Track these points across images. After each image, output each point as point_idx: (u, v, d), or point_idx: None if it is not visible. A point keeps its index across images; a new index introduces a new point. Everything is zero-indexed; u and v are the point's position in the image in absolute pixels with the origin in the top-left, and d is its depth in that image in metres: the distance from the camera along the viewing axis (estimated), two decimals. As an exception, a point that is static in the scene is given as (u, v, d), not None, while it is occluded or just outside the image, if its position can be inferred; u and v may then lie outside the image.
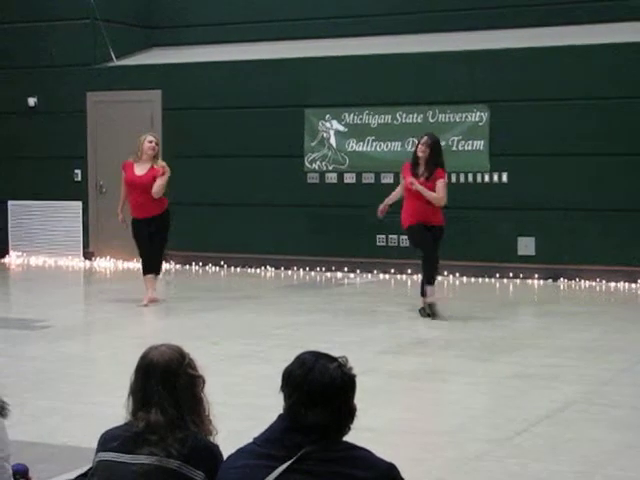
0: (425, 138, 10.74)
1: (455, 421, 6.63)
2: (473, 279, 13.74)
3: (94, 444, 3.77)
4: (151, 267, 11.59)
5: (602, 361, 8.52)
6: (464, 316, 10.93)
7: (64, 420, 6.73)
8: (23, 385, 7.48)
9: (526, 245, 13.65)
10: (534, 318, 11.44)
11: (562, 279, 13.42)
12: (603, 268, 13.26)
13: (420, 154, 10.65)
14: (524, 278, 13.61)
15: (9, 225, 16.32)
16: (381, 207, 11.02)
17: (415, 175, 10.61)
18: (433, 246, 10.71)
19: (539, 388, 7.56)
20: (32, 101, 16.22)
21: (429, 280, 10.65)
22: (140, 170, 11.39)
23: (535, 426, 6.46)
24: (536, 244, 13.60)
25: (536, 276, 13.56)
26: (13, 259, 16.27)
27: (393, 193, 11.13)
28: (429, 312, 10.61)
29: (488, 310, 11.36)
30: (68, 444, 6.05)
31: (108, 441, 3.69)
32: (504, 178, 13.70)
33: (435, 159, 10.65)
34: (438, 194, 10.57)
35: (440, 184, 10.59)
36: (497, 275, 13.72)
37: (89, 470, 3.85)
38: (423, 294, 10.72)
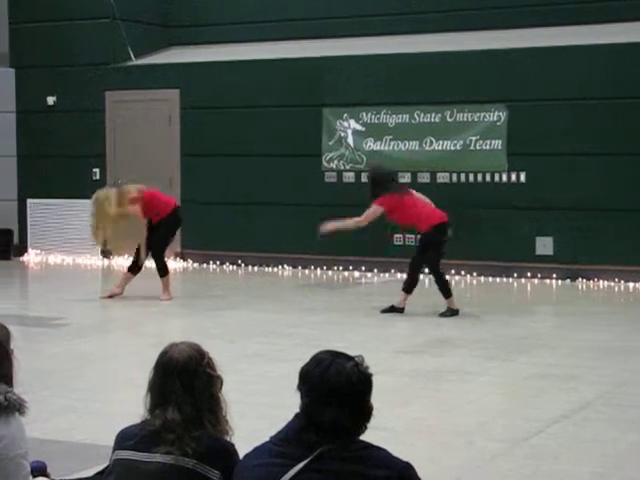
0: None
1: (472, 421, 6.62)
2: (491, 279, 13.71)
3: (111, 442, 3.78)
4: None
5: (620, 362, 8.49)
6: (482, 316, 10.91)
7: (82, 418, 6.75)
8: (41, 383, 7.51)
9: (544, 245, 13.61)
10: (552, 318, 11.41)
11: (580, 279, 13.38)
12: (621, 268, 13.21)
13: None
14: (542, 278, 13.57)
15: (28, 223, 16.37)
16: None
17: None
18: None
19: (556, 388, 7.54)
20: (51, 100, 16.29)
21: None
22: None
23: (552, 426, 6.45)
24: (554, 244, 13.56)
25: (554, 276, 13.52)
26: (32, 257, 16.32)
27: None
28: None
29: (506, 310, 11.33)
30: (85, 442, 6.07)
31: (125, 439, 3.70)
32: (522, 178, 13.67)
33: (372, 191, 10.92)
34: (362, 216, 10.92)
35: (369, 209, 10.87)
36: (515, 275, 13.69)
37: (106, 468, 3.87)
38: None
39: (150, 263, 12.01)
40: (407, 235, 14.06)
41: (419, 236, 11.23)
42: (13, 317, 9.99)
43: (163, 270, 11.97)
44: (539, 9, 14.33)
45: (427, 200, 11.15)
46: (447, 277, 11.18)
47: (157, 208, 11.86)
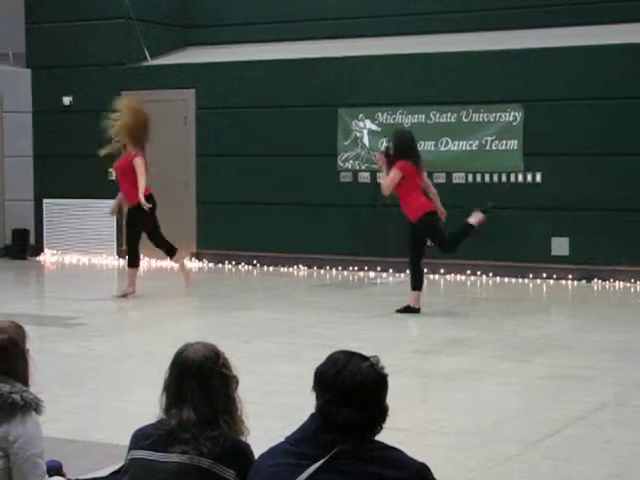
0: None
1: (488, 421, 6.61)
2: (506, 279, 13.68)
3: (127, 441, 3.79)
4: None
5: (636, 363, 8.46)
6: (497, 316, 10.90)
7: (97, 417, 6.77)
8: (57, 382, 7.53)
9: (560, 245, 13.58)
10: (567, 319, 11.38)
11: (596, 280, 13.34)
12: (637, 269, 13.16)
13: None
14: (558, 279, 13.54)
15: (44, 223, 16.42)
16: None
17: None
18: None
19: (572, 389, 7.52)
20: (67, 100, 16.33)
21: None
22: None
23: (568, 427, 6.43)
24: (570, 244, 13.52)
25: (570, 277, 13.48)
26: (47, 257, 16.37)
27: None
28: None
29: (521, 311, 11.31)
30: (101, 441, 6.08)
31: (140, 439, 3.71)
32: (538, 178, 13.64)
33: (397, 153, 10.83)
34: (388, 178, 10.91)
35: (394, 173, 10.79)
36: (531, 275, 13.66)
37: (122, 467, 3.88)
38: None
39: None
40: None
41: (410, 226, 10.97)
42: (29, 317, 10.02)
43: (134, 262, 12.06)
44: (555, 9, 14.29)
45: (430, 188, 11.13)
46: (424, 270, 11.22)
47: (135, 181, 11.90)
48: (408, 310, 10.89)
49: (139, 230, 12.20)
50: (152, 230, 12.20)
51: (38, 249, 16.50)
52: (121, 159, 12.18)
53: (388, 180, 10.85)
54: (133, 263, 12.11)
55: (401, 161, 10.77)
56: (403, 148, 10.88)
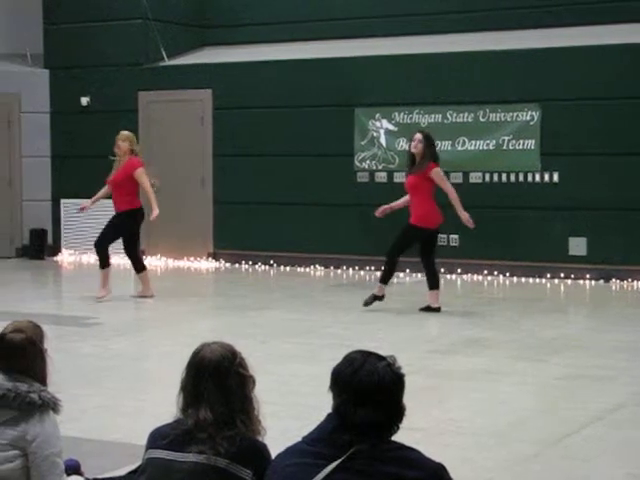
0: (417, 134, 11.04)
1: (505, 422, 6.60)
2: (524, 279, 13.65)
3: (144, 441, 3.80)
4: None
5: (654, 363, 8.43)
6: (514, 316, 10.87)
7: (115, 416, 6.79)
8: (75, 381, 7.55)
9: (577, 245, 13.54)
10: (585, 319, 11.35)
11: (614, 280, 13.29)
12: (656, 269, 13.13)
13: (413, 150, 10.90)
14: (575, 279, 13.49)
15: (61, 223, 16.47)
16: (382, 208, 11.33)
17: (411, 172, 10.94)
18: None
19: (590, 389, 7.50)
20: (85, 100, 16.38)
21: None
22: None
23: (586, 428, 6.41)
24: (588, 244, 13.48)
25: (587, 276, 13.43)
26: (65, 257, 16.42)
27: (401, 200, 11.28)
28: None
29: (539, 310, 11.28)
30: (119, 440, 6.10)
31: (158, 439, 3.72)
32: (555, 178, 13.60)
33: (428, 152, 10.86)
34: (447, 189, 10.98)
35: (438, 176, 10.87)
36: (548, 275, 13.63)
37: (139, 467, 3.89)
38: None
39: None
40: (439, 235, 14.04)
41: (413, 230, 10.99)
42: (47, 316, 10.06)
43: (142, 266, 12.13)
44: (573, 8, 14.24)
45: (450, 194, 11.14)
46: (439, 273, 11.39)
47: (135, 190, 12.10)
48: (429, 309, 10.91)
49: (137, 236, 12.21)
50: (133, 240, 12.15)
51: (56, 249, 16.55)
52: (121, 169, 12.15)
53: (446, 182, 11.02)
54: (142, 267, 12.11)
55: (434, 163, 10.89)
56: (433, 150, 10.99)
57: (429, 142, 10.94)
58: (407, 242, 11.05)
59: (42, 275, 15.18)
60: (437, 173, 10.89)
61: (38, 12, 16.61)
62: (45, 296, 12.39)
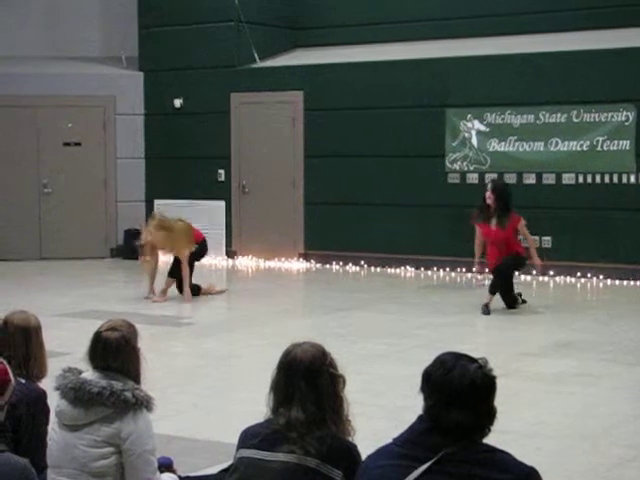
0: (490, 184, 11.27)
1: (598, 425, 6.51)
2: (617, 282, 13.43)
3: (235, 440, 3.83)
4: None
5: None
6: (608, 319, 10.71)
7: (207, 416, 6.86)
8: (168, 380, 7.65)
9: (673, 247, 13.28)
10: (681, 322, 11.13)
11: None
12: None
13: (488, 201, 11.01)
14: (671, 281, 13.25)
15: (155, 224, 16.66)
16: (476, 268, 11.59)
17: (486, 221, 11.05)
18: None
19: (686, 394, 7.36)
20: (178, 102, 16.57)
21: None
22: None
23: (682, 433, 6.29)
24: (684, 246, 13.22)
25: (684, 279, 13.19)
26: (159, 257, 16.57)
27: (476, 248, 11.41)
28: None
29: (633, 313, 11.10)
30: (210, 439, 6.16)
31: (249, 438, 3.74)
32: (651, 179, 13.37)
33: (503, 204, 10.96)
34: (530, 239, 11.31)
35: (524, 229, 11.10)
36: (643, 278, 13.40)
37: (230, 466, 3.92)
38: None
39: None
40: (532, 237, 13.90)
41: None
42: (140, 316, 10.20)
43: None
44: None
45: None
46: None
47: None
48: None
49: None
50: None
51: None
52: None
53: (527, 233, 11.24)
54: (196, 292, 12.39)
55: (517, 215, 11.09)
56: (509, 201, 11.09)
57: (503, 193, 11.03)
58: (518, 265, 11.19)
59: (135, 275, 15.37)
60: (524, 226, 11.10)
61: (133, 16, 16.87)
62: (138, 296, 12.55)
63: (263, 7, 16.34)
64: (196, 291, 12.38)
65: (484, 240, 11.21)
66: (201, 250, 12.52)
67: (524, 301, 11.36)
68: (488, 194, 11.00)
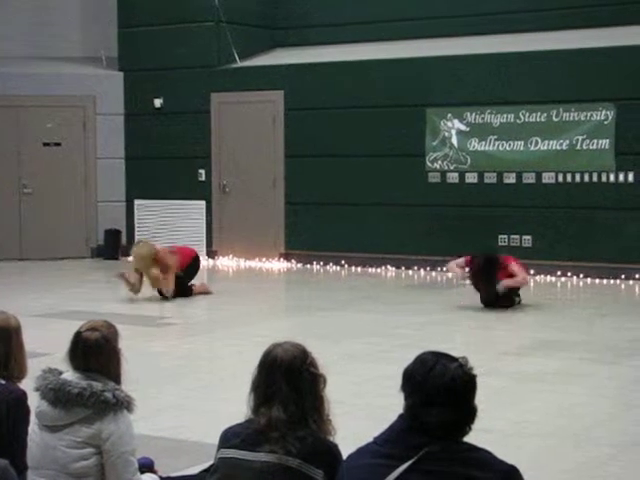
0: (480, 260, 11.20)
1: (579, 425, 6.53)
2: (597, 280, 13.49)
3: (216, 440, 3.82)
4: None
5: None
6: (588, 318, 10.75)
7: (188, 416, 6.84)
8: (148, 381, 7.63)
9: (653, 246, 13.34)
10: (661, 321, 11.18)
11: (690, 281, 13.09)
12: None
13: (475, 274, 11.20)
14: (651, 280, 13.31)
15: (135, 224, 16.65)
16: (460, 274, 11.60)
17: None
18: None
19: (666, 392, 7.39)
20: (158, 102, 16.54)
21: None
22: None
23: (662, 431, 6.32)
24: (663, 245, 13.29)
25: (663, 278, 13.25)
26: (139, 257, 16.55)
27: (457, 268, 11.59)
28: None
29: (613, 312, 11.14)
30: (191, 439, 6.15)
31: (229, 438, 3.74)
32: (630, 178, 13.42)
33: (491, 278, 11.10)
34: (520, 275, 11.23)
35: (515, 267, 11.21)
36: (622, 276, 13.45)
37: (211, 466, 3.91)
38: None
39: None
40: (512, 236, 13.93)
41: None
42: (120, 316, 10.17)
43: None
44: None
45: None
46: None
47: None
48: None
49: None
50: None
51: (129, 249, 16.69)
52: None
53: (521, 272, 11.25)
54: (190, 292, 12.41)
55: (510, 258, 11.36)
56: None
57: (492, 269, 11.10)
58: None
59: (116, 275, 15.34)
60: (514, 266, 11.21)
61: (113, 16, 16.83)
62: (119, 296, 12.52)
63: (243, 7, 16.33)
64: (189, 292, 12.30)
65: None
66: (194, 269, 12.53)
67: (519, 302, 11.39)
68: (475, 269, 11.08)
